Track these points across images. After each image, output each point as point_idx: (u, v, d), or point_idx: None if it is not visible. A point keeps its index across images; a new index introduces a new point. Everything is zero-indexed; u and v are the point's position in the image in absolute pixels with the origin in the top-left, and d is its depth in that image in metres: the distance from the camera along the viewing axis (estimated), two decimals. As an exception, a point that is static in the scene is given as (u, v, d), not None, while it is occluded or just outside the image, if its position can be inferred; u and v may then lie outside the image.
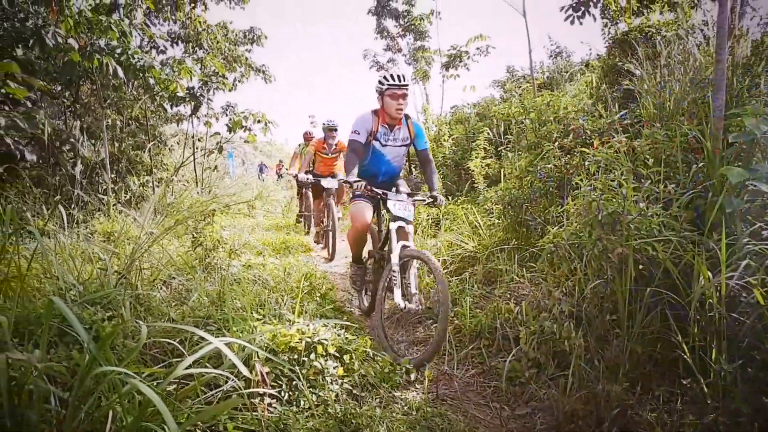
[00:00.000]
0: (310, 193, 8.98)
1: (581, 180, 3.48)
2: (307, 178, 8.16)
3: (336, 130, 8.34)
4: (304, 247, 7.52)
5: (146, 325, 1.79)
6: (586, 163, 3.81)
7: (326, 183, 7.89)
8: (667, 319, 2.88)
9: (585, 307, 3.10)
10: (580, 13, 6.82)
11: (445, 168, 9.22)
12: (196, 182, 11.14)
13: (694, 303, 2.71)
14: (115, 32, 6.64)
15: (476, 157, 7.39)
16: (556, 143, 5.00)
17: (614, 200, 3.01)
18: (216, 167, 11.14)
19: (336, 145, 8.37)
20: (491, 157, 7.73)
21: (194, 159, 11.13)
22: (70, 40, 6.51)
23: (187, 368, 1.64)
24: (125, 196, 8.47)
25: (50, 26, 6.46)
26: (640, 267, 3.03)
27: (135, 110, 9.04)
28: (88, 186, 7.57)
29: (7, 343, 1.81)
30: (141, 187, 8.89)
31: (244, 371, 1.66)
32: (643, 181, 3.18)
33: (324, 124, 8.28)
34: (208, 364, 2.31)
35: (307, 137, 9.75)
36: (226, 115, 11.51)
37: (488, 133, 7.71)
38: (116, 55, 6.87)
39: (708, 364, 2.57)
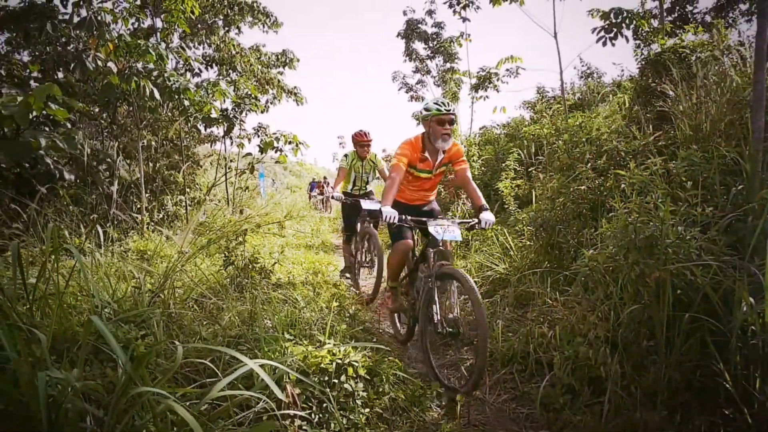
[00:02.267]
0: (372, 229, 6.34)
1: (617, 202, 3.42)
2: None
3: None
4: (333, 266, 7.52)
5: (182, 346, 1.80)
6: (622, 186, 3.75)
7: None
8: (706, 346, 2.79)
9: (621, 332, 3.02)
10: (612, 35, 6.79)
11: (475, 188, 9.19)
12: (228, 201, 11.30)
13: (735, 330, 2.62)
14: (152, 55, 6.83)
15: (506, 178, 7.35)
16: (589, 165, 4.94)
17: (651, 223, 2.95)
18: (247, 187, 11.28)
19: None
20: (521, 178, 7.68)
21: (226, 179, 11.30)
22: (110, 64, 6.72)
23: (221, 390, 1.65)
24: (158, 215, 8.64)
25: (90, 50, 6.68)
26: (678, 292, 2.95)
27: (171, 131, 9.24)
28: (123, 205, 7.73)
29: (45, 361, 1.84)
30: (174, 207, 9.04)
31: (279, 394, 1.65)
32: (680, 204, 3.11)
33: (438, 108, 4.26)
34: (240, 385, 2.31)
35: (361, 139, 6.59)
36: (258, 135, 11.69)
37: (519, 154, 7.66)
38: (153, 78, 7.06)
39: (752, 394, 2.47)
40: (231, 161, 11.84)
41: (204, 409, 2.21)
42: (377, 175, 6.94)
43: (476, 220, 3.87)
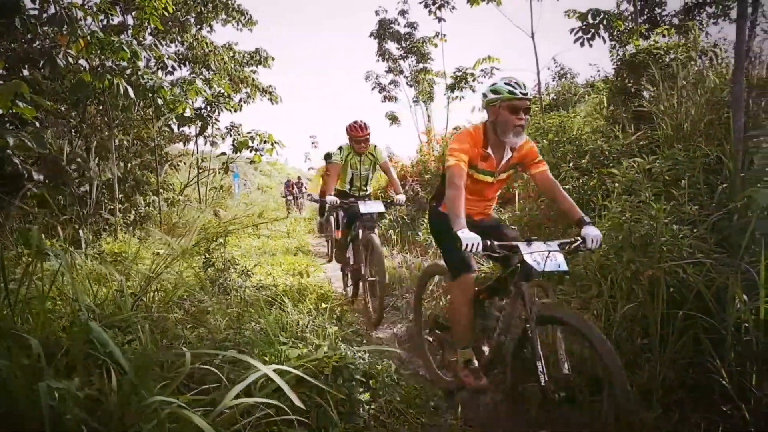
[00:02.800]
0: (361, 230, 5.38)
1: (610, 201, 3.45)
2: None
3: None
4: (313, 267, 7.45)
5: (189, 352, 1.73)
6: (612, 185, 3.78)
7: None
8: (699, 343, 2.83)
9: (615, 330, 3.04)
10: (589, 36, 6.89)
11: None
12: (199, 201, 11.12)
13: (730, 327, 2.66)
14: (126, 53, 6.65)
15: (485, 178, 7.38)
16: (571, 164, 4.99)
17: (645, 222, 2.98)
18: (221, 187, 11.13)
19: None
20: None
21: (198, 179, 11.12)
22: (81, 61, 6.53)
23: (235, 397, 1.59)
24: (130, 216, 8.44)
25: (60, 47, 6.48)
26: (671, 290, 2.98)
27: (152, 130, 9.03)
28: (95, 206, 7.52)
29: (41, 369, 1.76)
30: (147, 207, 8.85)
31: (297, 402, 1.60)
32: (674, 202, 3.15)
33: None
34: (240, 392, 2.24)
35: (356, 134, 5.43)
36: (230, 135, 11.54)
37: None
38: (126, 76, 6.88)
39: (748, 390, 2.51)
40: (203, 161, 11.66)
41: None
42: (378, 171, 6.02)
43: (579, 240, 2.77)
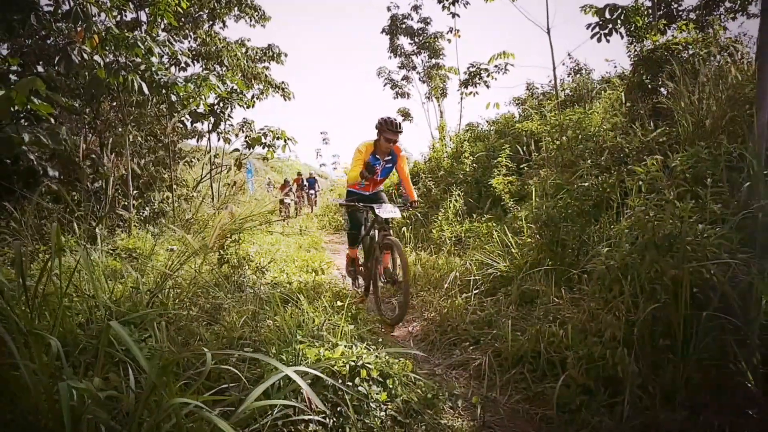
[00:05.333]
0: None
1: (632, 200, 3.38)
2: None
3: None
4: (326, 264, 7.43)
5: (209, 352, 1.71)
6: (632, 183, 3.71)
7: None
8: (723, 344, 2.77)
9: (636, 331, 2.98)
10: (606, 31, 6.79)
11: (466, 185, 9.16)
12: (213, 198, 11.12)
13: (755, 329, 2.60)
14: (141, 49, 6.65)
15: (498, 174, 7.32)
16: (589, 161, 4.92)
17: (668, 221, 2.92)
18: (234, 183, 11.12)
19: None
20: (512, 174, 7.66)
21: (211, 175, 11.12)
22: (95, 57, 6.53)
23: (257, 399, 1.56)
24: (144, 212, 8.45)
25: (75, 43, 6.48)
26: (694, 290, 2.92)
27: (165, 127, 9.03)
28: (109, 202, 7.54)
29: (63, 368, 1.74)
30: (160, 203, 8.86)
31: (319, 404, 1.58)
32: (698, 201, 3.08)
33: None
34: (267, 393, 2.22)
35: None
36: (243, 131, 11.52)
37: (511, 150, 7.62)
38: (140, 72, 6.88)
39: (776, 394, 2.45)
40: (216, 157, 11.66)
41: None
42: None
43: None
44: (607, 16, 6.66)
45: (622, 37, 6.80)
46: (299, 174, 23.14)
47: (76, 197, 7.23)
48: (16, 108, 5.97)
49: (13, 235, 4.88)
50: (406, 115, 17.17)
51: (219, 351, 2.33)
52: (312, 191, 22.11)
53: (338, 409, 2.63)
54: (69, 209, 6.49)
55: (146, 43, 6.69)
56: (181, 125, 9.78)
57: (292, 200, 18.02)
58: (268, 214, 9.01)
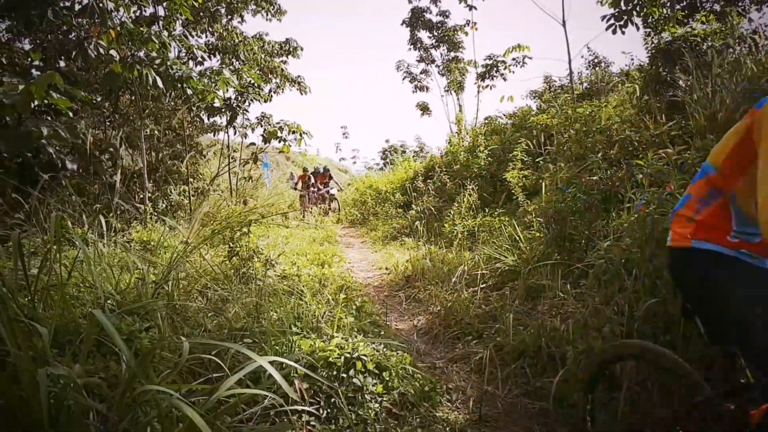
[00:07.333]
0: None
1: (633, 193, 3.33)
2: None
3: None
4: (338, 257, 7.45)
5: (187, 341, 1.73)
6: (640, 176, 3.65)
7: None
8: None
9: (636, 326, 2.94)
10: (622, 23, 6.67)
11: (481, 179, 9.09)
12: (230, 192, 11.23)
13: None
14: (155, 43, 6.73)
15: (513, 168, 7.25)
16: (600, 154, 4.85)
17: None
18: (251, 177, 11.21)
19: None
20: (528, 168, 7.58)
21: (229, 169, 11.22)
22: (112, 51, 6.62)
23: (229, 388, 1.58)
24: (162, 205, 8.57)
25: (92, 38, 6.58)
26: (696, 285, 2.86)
27: (175, 120, 9.14)
28: (126, 195, 7.66)
29: (46, 355, 1.77)
30: (178, 197, 8.97)
31: (289, 391, 1.58)
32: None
33: None
34: (248, 381, 2.24)
35: None
36: (261, 125, 11.60)
37: (527, 144, 7.54)
38: (155, 66, 6.96)
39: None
40: (234, 151, 11.75)
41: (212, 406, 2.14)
42: None
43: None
44: (623, 6, 6.54)
45: (637, 29, 6.67)
46: (305, 170, 17.23)
47: (96, 189, 7.36)
48: (36, 102, 6.09)
49: (26, 228, 4.98)
50: (424, 108, 17.08)
51: (194, 341, 2.34)
52: (324, 188, 16.58)
53: (332, 400, 2.65)
54: (88, 202, 6.61)
55: (160, 38, 6.76)
56: (198, 119, 9.88)
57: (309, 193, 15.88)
58: (283, 207, 9.11)
